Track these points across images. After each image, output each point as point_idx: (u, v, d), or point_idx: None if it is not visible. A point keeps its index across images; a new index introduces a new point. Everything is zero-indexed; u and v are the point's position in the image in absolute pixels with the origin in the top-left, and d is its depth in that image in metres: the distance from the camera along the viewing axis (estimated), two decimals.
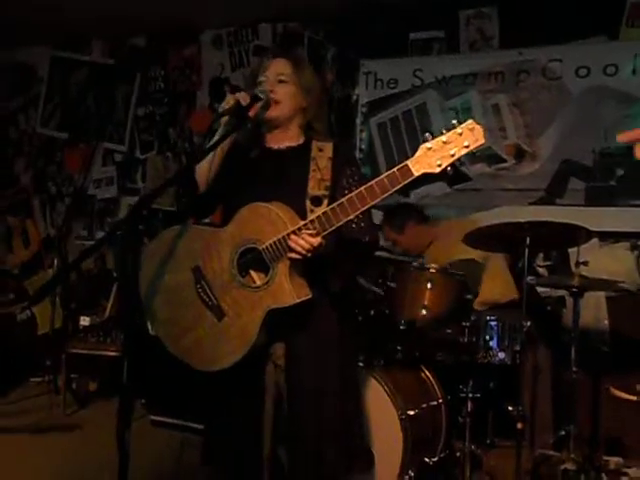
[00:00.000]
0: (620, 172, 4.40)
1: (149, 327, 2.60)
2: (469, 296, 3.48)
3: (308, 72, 2.62)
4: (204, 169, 2.53)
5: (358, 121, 5.15)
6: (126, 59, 6.12)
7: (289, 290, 2.34)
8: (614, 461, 3.83)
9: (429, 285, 3.43)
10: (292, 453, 2.50)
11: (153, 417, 4.45)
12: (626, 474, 3.73)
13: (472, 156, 4.68)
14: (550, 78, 4.56)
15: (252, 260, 2.39)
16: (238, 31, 5.67)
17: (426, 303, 3.43)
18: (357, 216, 2.34)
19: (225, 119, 2.49)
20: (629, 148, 4.31)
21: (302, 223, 2.31)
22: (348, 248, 2.50)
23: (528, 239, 3.12)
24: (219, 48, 5.79)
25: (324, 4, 4.90)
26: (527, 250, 3.14)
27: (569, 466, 3.33)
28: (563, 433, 3.39)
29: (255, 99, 2.47)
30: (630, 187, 4.37)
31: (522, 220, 3.16)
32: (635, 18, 4.39)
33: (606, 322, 4.40)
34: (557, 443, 3.52)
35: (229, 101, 2.48)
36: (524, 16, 4.59)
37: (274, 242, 2.33)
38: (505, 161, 4.67)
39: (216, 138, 2.49)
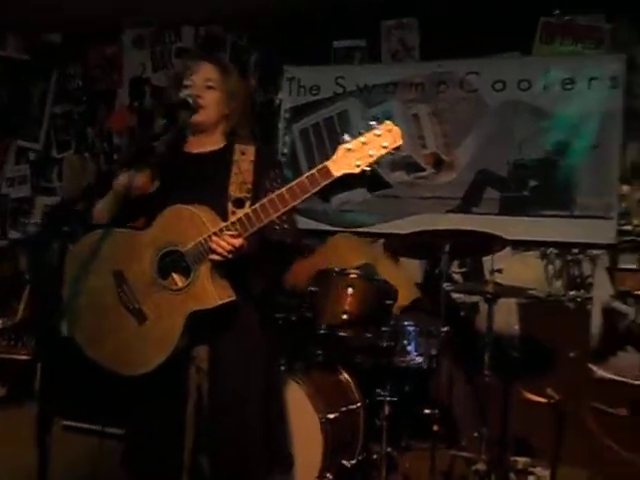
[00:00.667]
0: (533, 183, 4.56)
1: (66, 330, 2.56)
2: (389, 301, 3.56)
3: (234, 79, 2.64)
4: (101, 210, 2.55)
5: (281, 126, 5.18)
6: (41, 55, 5.98)
7: (211, 292, 2.34)
8: (522, 461, 3.99)
9: (350, 290, 3.49)
10: (214, 457, 2.50)
11: (65, 422, 4.35)
12: (533, 473, 3.89)
13: (392, 164, 4.79)
14: (468, 90, 4.70)
15: (174, 262, 2.39)
16: (160, 32, 5.63)
17: (347, 308, 3.49)
18: (280, 218, 2.38)
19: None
20: (541, 160, 4.53)
21: (223, 225, 2.32)
22: (271, 250, 2.52)
23: (447, 247, 3.21)
24: (140, 48, 5.72)
25: (247, 9, 4.91)
26: (446, 257, 3.23)
27: (480, 466, 3.44)
28: (476, 435, 3.51)
29: (183, 104, 2.48)
30: (542, 198, 4.54)
31: (441, 228, 3.26)
32: (547, 35, 4.57)
33: (517, 328, 4.56)
34: (470, 444, 3.62)
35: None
36: (444, 29, 4.71)
37: (196, 244, 2.34)
38: (424, 170, 4.78)
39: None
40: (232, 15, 5.11)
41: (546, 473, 3.92)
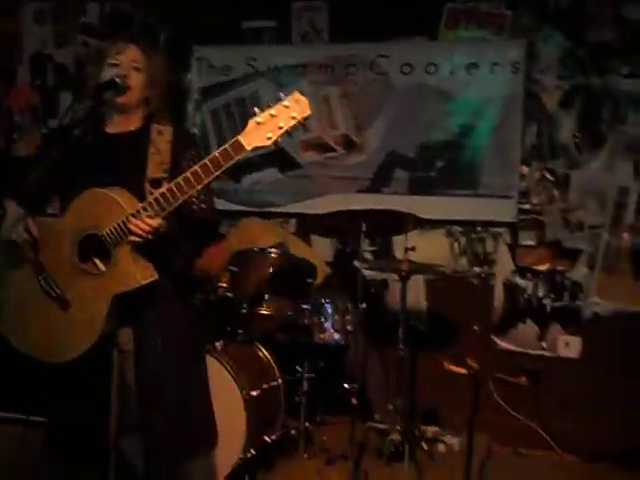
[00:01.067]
0: (440, 164, 4.72)
1: None
2: (309, 280, 3.64)
3: (159, 63, 2.64)
4: None
5: (190, 106, 5.15)
6: None
7: (133, 273, 2.36)
8: (431, 430, 4.19)
9: (271, 269, 3.56)
10: (143, 438, 2.52)
11: None
12: (442, 441, 4.09)
13: (303, 144, 4.86)
14: (377, 73, 4.79)
15: (93, 247, 2.40)
16: (63, 7, 5.47)
17: (268, 287, 3.56)
18: (199, 198, 2.43)
19: None
20: (447, 142, 4.68)
21: (140, 205, 2.34)
22: (190, 229, 2.54)
23: (364, 226, 3.32)
24: (42, 23, 5.55)
25: None
26: (362, 236, 3.34)
27: (395, 437, 3.60)
28: (390, 407, 3.65)
29: (111, 83, 2.46)
30: (448, 178, 4.71)
31: (359, 208, 3.35)
32: (452, 21, 4.72)
33: (424, 303, 4.74)
34: (385, 416, 3.77)
35: None
36: (353, 12, 4.78)
37: (114, 227, 2.35)
38: (335, 150, 4.87)
39: None
40: None
41: (454, 441, 4.14)
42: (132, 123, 2.62)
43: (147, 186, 2.45)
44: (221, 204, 4.77)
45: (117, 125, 2.61)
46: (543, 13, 4.56)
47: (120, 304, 2.39)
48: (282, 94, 2.25)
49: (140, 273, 2.37)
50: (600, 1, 4.47)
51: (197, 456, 2.64)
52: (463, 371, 3.24)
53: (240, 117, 5.00)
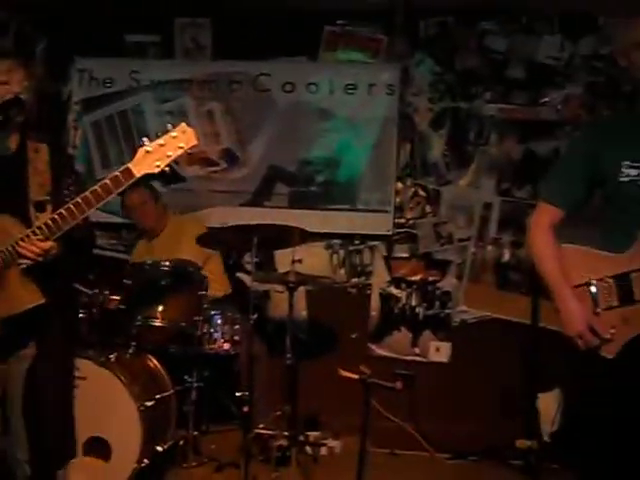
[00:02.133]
0: (320, 179, 4.93)
1: None
2: (202, 292, 3.72)
3: (22, 75, 2.62)
4: None
5: (70, 118, 5.09)
6: None
7: (21, 297, 2.42)
8: (314, 435, 4.36)
9: (164, 282, 3.62)
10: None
11: None
12: (324, 444, 4.26)
13: (187, 158, 4.92)
14: (260, 90, 4.94)
15: None
16: None
17: (162, 299, 3.62)
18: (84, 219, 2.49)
19: None
20: (327, 158, 4.87)
21: (30, 230, 2.40)
22: (73, 248, 2.61)
23: (255, 240, 3.45)
24: None
25: None
26: (254, 250, 3.46)
27: (282, 442, 3.73)
28: (278, 413, 3.79)
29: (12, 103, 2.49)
30: (327, 193, 4.92)
31: (252, 223, 3.49)
32: (331, 43, 4.94)
33: (304, 313, 4.91)
34: (272, 423, 3.90)
35: None
36: (236, 30, 4.91)
37: (2, 251, 2.38)
38: (218, 165, 4.97)
39: None
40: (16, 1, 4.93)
41: (335, 444, 4.32)
42: (10, 141, 2.62)
43: (31, 209, 2.49)
44: (104, 217, 4.76)
45: (13, 145, 2.62)
46: (415, 40, 4.87)
47: (10, 327, 2.41)
48: (170, 125, 2.40)
49: (28, 297, 2.43)
50: (465, 32, 4.83)
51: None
52: (356, 376, 3.42)
53: (122, 130, 5.01)
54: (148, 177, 4.32)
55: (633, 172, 2.40)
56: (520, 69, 4.81)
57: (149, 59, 5.06)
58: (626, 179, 2.40)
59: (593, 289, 2.40)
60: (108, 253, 4.95)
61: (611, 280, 2.38)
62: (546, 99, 4.78)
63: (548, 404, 4.41)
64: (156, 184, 4.90)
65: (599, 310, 2.39)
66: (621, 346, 2.34)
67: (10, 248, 2.37)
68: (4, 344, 2.46)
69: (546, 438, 4.41)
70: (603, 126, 2.72)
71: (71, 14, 4.94)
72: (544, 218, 2.57)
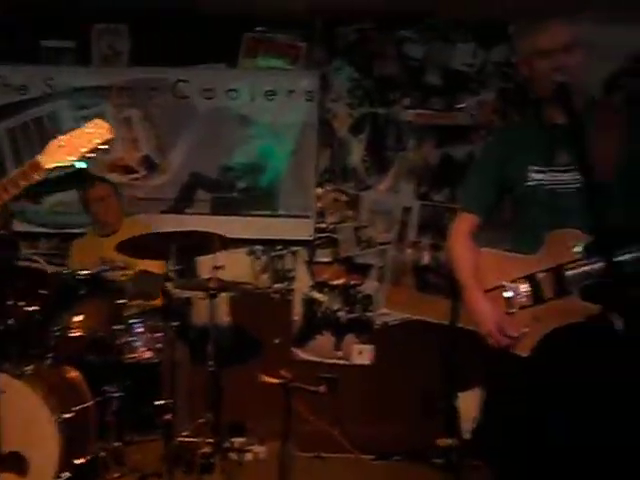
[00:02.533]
0: (241, 185, 4.93)
1: None
2: (122, 300, 3.67)
3: None
4: None
5: None
6: None
7: None
8: (239, 441, 4.35)
9: (82, 291, 3.57)
10: None
11: None
12: (249, 450, 4.27)
13: (107, 166, 4.86)
14: (179, 97, 4.91)
15: None
16: None
17: (80, 308, 3.56)
18: None
19: None
20: (248, 164, 4.89)
21: None
22: None
23: (176, 247, 3.43)
24: None
25: None
26: (175, 257, 3.44)
27: (206, 450, 3.72)
28: (202, 421, 3.77)
29: None
30: (249, 199, 4.93)
31: (171, 230, 3.47)
32: (250, 50, 4.95)
33: (227, 319, 4.91)
34: (195, 430, 3.88)
35: None
36: (154, 36, 4.86)
37: None
38: (137, 172, 4.92)
39: None
40: None
41: (260, 449, 4.33)
42: None
43: None
44: (20, 226, 4.67)
45: None
46: (334, 47, 4.93)
47: None
48: (84, 121, 2.38)
49: None
50: (384, 39, 4.91)
51: None
52: (277, 381, 3.44)
53: (39, 137, 4.89)
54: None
55: (539, 176, 2.51)
56: (436, 76, 4.92)
57: (65, 65, 4.95)
58: (533, 183, 2.52)
59: (506, 290, 2.50)
60: (25, 263, 4.84)
61: (524, 281, 2.48)
62: (461, 105, 4.90)
63: (468, 403, 4.52)
64: (75, 193, 4.84)
65: (513, 310, 2.49)
66: (534, 344, 2.43)
67: None
68: None
69: (467, 436, 4.52)
70: (511, 132, 2.86)
71: None
72: (462, 225, 2.72)
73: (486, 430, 2.80)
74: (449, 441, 4.21)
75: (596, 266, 2.32)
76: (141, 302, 3.94)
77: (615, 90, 4.78)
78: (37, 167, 2.33)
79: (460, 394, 4.45)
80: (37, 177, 2.34)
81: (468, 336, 4.01)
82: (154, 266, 4.01)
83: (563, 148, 2.46)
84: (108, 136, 2.37)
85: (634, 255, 2.28)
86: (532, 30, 2.50)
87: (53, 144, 2.34)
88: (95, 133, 2.35)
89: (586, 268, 2.34)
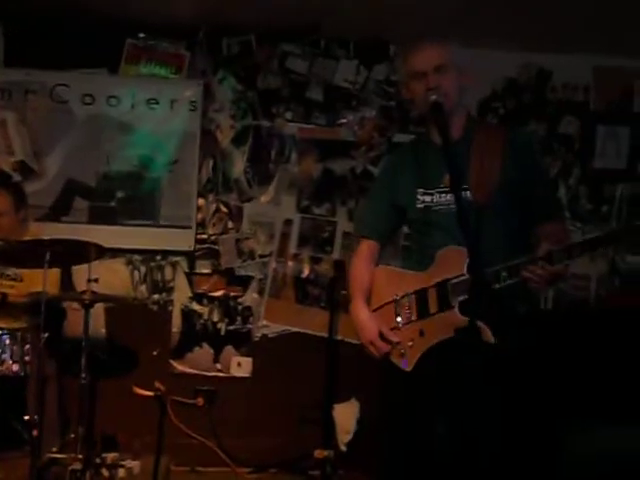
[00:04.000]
0: (120, 194, 4.83)
1: None
2: None
3: None
4: None
5: None
6: None
7: None
8: (111, 456, 4.22)
9: None
10: None
11: None
12: (122, 466, 4.15)
13: None
14: (57, 101, 4.77)
15: None
16: None
17: None
18: None
19: None
20: (127, 173, 4.81)
21: None
22: None
23: (48, 255, 3.31)
24: None
25: None
26: (47, 266, 3.33)
27: (76, 466, 3.59)
28: (72, 436, 3.65)
29: None
30: (129, 208, 4.83)
31: (45, 237, 3.35)
32: (133, 57, 4.87)
33: (103, 331, 4.78)
34: (65, 446, 3.75)
35: None
36: (31, 38, 4.72)
37: None
38: (11, 177, 4.71)
39: None
40: None
41: (134, 464, 4.23)
42: None
43: None
44: None
45: None
46: (218, 57, 4.92)
47: None
48: None
49: None
50: (268, 52, 4.95)
51: None
52: (150, 394, 3.38)
53: None
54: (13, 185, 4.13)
55: (427, 198, 2.61)
56: (319, 91, 5.00)
57: None
58: (421, 205, 2.61)
59: (395, 305, 2.57)
60: None
61: (412, 296, 2.56)
62: (343, 120, 5.00)
63: (344, 414, 4.59)
64: None
65: (400, 324, 2.56)
66: (418, 358, 2.50)
67: None
68: None
69: (343, 447, 4.59)
70: (398, 156, 2.96)
71: None
72: (362, 248, 2.82)
73: (365, 441, 2.86)
74: (325, 452, 4.25)
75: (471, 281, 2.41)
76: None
77: (488, 113, 5.01)
78: None
79: (336, 405, 4.51)
80: None
81: (346, 348, 4.11)
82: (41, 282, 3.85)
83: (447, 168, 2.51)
84: None
85: (499, 272, 2.38)
86: (407, 52, 2.59)
87: None
88: None
89: (464, 283, 2.42)
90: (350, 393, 4.68)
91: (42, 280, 3.48)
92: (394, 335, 2.55)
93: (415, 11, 4.27)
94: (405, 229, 2.88)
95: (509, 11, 4.29)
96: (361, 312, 2.66)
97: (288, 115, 4.97)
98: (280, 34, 4.92)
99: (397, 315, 2.58)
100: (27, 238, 4.04)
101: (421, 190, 2.60)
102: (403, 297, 2.57)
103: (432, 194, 2.58)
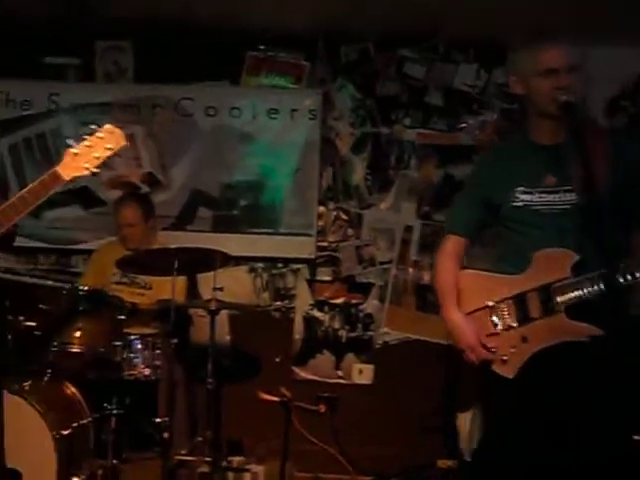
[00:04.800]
0: (243, 203, 4.93)
1: None
2: (122, 316, 3.66)
3: None
4: None
5: None
6: None
7: None
8: (237, 460, 4.31)
9: (81, 307, 3.56)
10: None
11: None
12: (248, 470, 4.23)
13: (108, 182, 4.86)
14: (182, 114, 4.93)
15: None
16: None
17: (80, 324, 3.55)
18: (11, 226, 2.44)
19: None
20: (249, 182, 4.89)
21: None
22: None
23: (176, 263, 3.42)
24: None
25: None
26: (175, 273, 3.44)
27: (203, 469, 3.69)
28: (200, 439, 3.75)
29: None
30: (251, 216, 4.93)
31: (172, 246, 3.47)
32: (254, 68, 4.98)
33: (228, 337, 4.89)
34: (193, 449, 3.86)
35: None
36: (158, 54, 4.90)
37: None
38: (140, 189, 4.92)
39: None
40: None
41: (259, 469, 4.29)
42: None
43: None
44: (22, 242, 4.66)
45: None
46: (337, 66, 4.95)
47: None
48: (94, 126, 2.37)
49: None
50: (386, 58, 4.94)
51: None
52: (276, 399, 3.42)
53: (40, 152, 4.93)
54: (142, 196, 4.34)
55: (527, 197, 2.53)
56: (438, 96, 4.94)
57: (69, 82, 4.98)
58: (520, 204, 2.54)
59: (491, 311, 2.50)
60: (24, 279, 4.84)
61: (510, 301, 2.49)
62: (463, 125, 4.92)
63: (467, 423, 4.49)
64: (76, 208, 4.84)
65: (499, 330, 2.49)
66: (521, 365, 2.43)
67: None
68: None
69: (466, 457, 4.48)
70: (498, 152, 2.89)
71: None
72: (448, 246, 2.75)
73: (484, 452, 2.78)
74: (449, 462, 4.17)
75: (584, 285, 2.35)
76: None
77: (617, 112, 4.80)
78: (56, 178, 2.32)
79: (460, 414, 4.42)
80: (56, 188, 2.33)
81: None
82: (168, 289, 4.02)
83: (550, 169, 2.49)
84: (122, 143, 2.37)
85: (626, 274, 2.29)
86: (536, 48, 2.51)
87: (68, 154, 2.33)
88: (109, 139, 2.35)
89: (574, 287, 2.36)
90: (474, 402, 4.57)
91: (170, 288, 3.62)
92: (493, 341, 2.48)
93: (535, 8, 4.14)
94: (495, 230, 2.75)
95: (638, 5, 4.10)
96: (456, 315, 2.60)
97: (407, 121, 4.94)
98: (398, 40, 4.89)
99: (495, 321, 2.50)
100: (155, 247, 4.21)
101: (521, 189, 2.53)
102: (499, 302, 2.50)
103: (532, 193, 2.51)
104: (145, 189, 4.93)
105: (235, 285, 4.78)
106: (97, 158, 2.34)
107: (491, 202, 2.64)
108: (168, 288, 3.67)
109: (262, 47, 4.95)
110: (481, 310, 2.54)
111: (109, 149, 2.35)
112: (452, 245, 2.73)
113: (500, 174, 2.62)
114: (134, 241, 4.35)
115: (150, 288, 4.32)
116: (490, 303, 2.51)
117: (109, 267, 4.10)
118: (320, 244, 4.93)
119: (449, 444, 4.34)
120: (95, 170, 2.35)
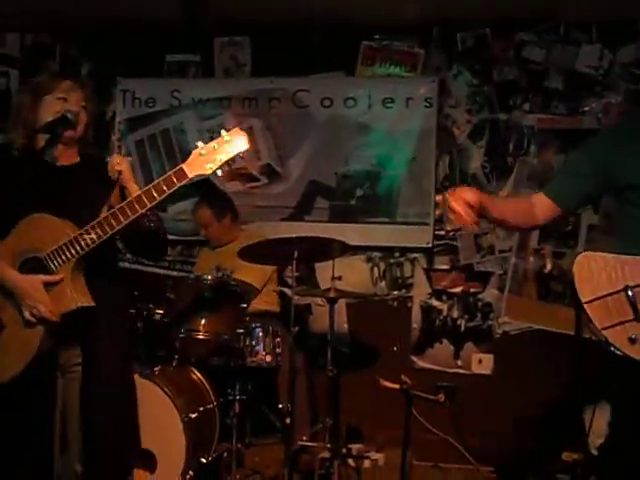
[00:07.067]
0: (359, 193, 4.96)
1: None
2: (243, 305, 3.77)
3: (93, 103, 2.79)
4: None
5: (114, 138, 5.21)
6: None
7: (70, 295, 2.46)
8: (356, 447, 4.34)
9: (206, 295, 3.69)
10: (88, 452, 2.60)
11: None
12: (367, 457, 4.25)
13: (227, 174, 4.99)
14: (298, 106, 5.00)
15: (33, 269, 2.48)
16: None
17: (205, 312, 3.69)
18: (147, 217, 2.54)
19: None
20: (366, 172, 4.89)
21: (84, 229, 2.45)
22: (140, 242, 2.71)
23: (296, 252, 3.48)
24: None
25: (76, 19, 4.89)
26: (295, 262, 3.50)
27: (324, 455, 3.74)
28: (321, 426, 3.81)
29: (63, 118, 2.58)
30: (367, 206, 4.95)
31: (292, 235, 3.53)
32: (368, 58, 4.99)
33: (346, 326, 4.93)
34: (314, 436, 3.92)
35: None
36: (274, 47, 4.99)
37: (56, 249, 2.45)
38: (258, 180, 5.04)
39: None
40: (61, 24, 5.08)
41: (378, 456, 4.31)
42: (71, 155, 2.74)
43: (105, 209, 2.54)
44: None
45: (60, 157, 2.72)
46: (452, 53, 4.89)
47: (61, 325, 2.46)
48: (223, 130, 2.45)
49: (78, 296, 2.47)
50: (503, 43, 4.83)
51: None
52: (397, 386, 3.43)
53: (165, 148, 5.13)
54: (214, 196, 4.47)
55: None
56: (559, 79, 4.79)
57: (189, 78, 5.17)
58: None
59: (631, 294, 2.38)
60: (150, 269, 5.04)
61: None
62: (586, 108, 4.75)
63: (595, 416, 4.34)
64: (195, 201, 4.99)
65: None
66: None
67: (63, 246, 2.43)
68: (52, 340, 2.50)
69: (593, 451, 4.34)
70: (621, 133, 2.68)
71: (113, 36, 5.07)
72: (535, 199, 2.61)
73: (616, 446, 2.66)
74: (575, 455, 4.05)
75: None
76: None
77: None
78: (182, 175, 2.42)
79: (587, 407, 4.29)
80: (180, 185, 2.43)
81: (593, 347, 3.89)
82: (253, 276, 4.16)
83: None
84: (245, 147, 2.44)
85: None
86: None
87: (195, 153, 2.42)
88: (234, 142, 2.43)
89: None
90: (599, 394, 4.43)
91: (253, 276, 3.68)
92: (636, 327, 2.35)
93: None
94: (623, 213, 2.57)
95: None
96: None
97: (526, 106, 4.82)
98: (516, 24, 4.78)
99: (632, 305, 2.33)
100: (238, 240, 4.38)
101: None
102: (637, 285, 2.33)
103: None
104: (264, 180, 5.04)
105: (353, 274, 4.82)
106: (220, 160, 2.42)
107: (609, 175, 2.49)
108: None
109: (376, 36, 4.95)
110: (617, 294, 2.42)
111: (232, 151, 2.42)
112: (539, 202, 2.59)
113: (629, 155, 2.46)
114: (213, 240, 4.55)
115: None
116: (629, 284, 2.39)
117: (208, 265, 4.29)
118: (437, 233, 4.89)
119: (576, 437, 4.22)
120: (218, 172, 2.44)
